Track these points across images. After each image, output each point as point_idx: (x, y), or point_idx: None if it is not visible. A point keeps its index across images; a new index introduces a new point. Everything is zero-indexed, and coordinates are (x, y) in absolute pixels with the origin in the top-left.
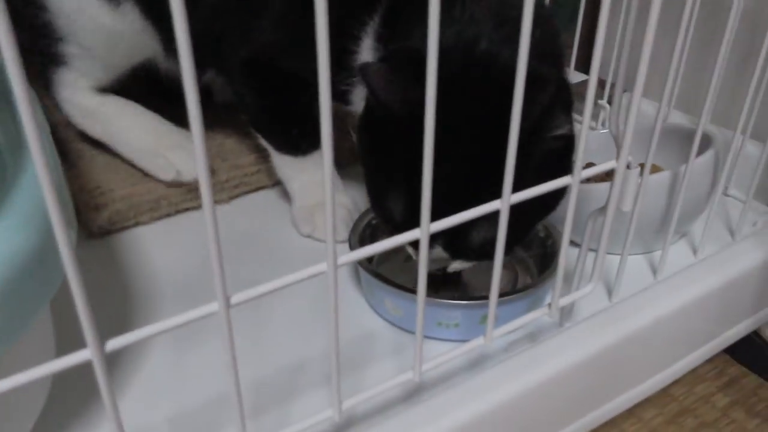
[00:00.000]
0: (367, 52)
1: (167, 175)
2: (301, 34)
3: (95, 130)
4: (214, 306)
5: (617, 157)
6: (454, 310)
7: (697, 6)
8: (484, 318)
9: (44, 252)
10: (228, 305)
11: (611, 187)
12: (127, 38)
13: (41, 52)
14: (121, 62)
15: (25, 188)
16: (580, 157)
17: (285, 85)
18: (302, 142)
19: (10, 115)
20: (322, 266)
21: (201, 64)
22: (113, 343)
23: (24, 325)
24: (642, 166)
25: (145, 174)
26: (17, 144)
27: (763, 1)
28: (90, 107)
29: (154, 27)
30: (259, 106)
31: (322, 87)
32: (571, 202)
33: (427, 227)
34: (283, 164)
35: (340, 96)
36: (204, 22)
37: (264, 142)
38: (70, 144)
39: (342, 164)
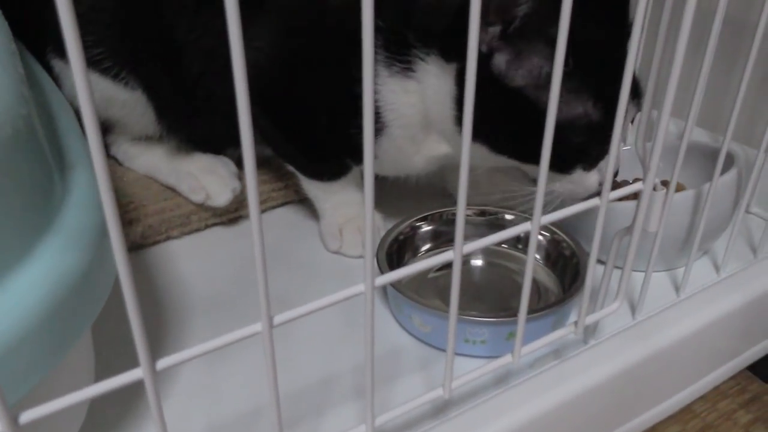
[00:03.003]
0: (382, 78)
1: (197, 198)
2: (305, 61)
3: (132, 165)
4: (257, 326)
5: (644, 180)
6: (481, 327)
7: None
8: (511, 334)
9: (92, 272)
10: (271, 325)
11: (637, 208)
12: (141, 107)
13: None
14: (144, 124)
15: (73, 208)
16: (608, 179)
17: (303, 114)
18: (329, 170)
19: (57, 138)
20: (359, 287)
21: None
22: (163, 363)
23: (70, 344)
24: (666, 183)
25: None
26: (64, 165)
27: None
28: (131, 152)
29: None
30: (282, 138)
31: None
32: (598, 223)
33: (460, 249)
34: (313, 188)
35: (359, 152)
36: (209, 62)
37: (291, 168)
38: None
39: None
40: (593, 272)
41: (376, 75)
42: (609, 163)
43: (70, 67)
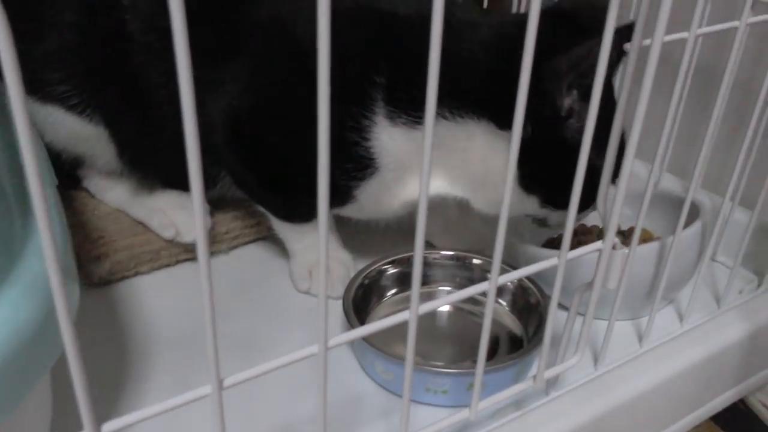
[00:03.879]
0: (383, 127)
1: (167, 234)
2: (285, 101)
3: (104, 198)
4: (207, 389)
5: (603, 238)
6: (442, 377)
7: (691, 72)
8: (472, 385)
9: (48, 322)
10: (221, 388)
11: (597, 267)
12: (104, 142)
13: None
14: (107, 160)
15: (31, 257)
16: (567, 237)
17: (278, 158)
18: (302, 212)
19: (21, 183)
20: (313, 348)
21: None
22: (109, 426)
23: (23, 395)
24: (631, 231)
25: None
26: (26, 210)
27: (756, 72)
28: (103, 185)
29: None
30: (256, 181)
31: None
32: (557, 280)
33: (416, 308)
34: (284, 229)
35: (340, 196)
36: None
37: (262, 209)
38: (74, 192)
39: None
40: (553, 325)
41: (374, 123)
42: (568, 224)
43: (37, 104)
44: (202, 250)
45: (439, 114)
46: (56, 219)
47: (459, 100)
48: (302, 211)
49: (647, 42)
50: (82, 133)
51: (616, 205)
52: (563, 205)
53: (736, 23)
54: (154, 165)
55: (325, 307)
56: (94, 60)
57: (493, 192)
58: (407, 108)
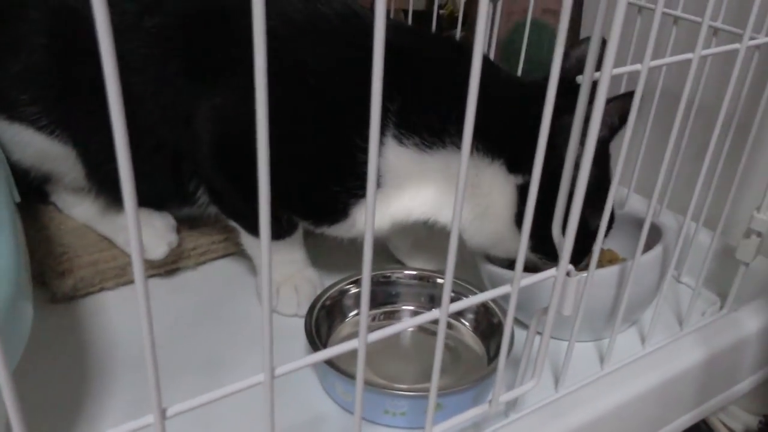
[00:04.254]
0: (391, 147)
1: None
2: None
3: (71, 213)
4: (149, 418)
5: (558, 266)
6: (400, 400)
7: (656, 98)
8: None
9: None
10: (164, 417)
11: (552, 293)
12: (62, 161)
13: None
14: (75, 177)
15: None
16: (519, 265)
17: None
18: (279, 229)
19: None
20: (258, 377)
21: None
22: None
23: None
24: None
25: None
26: None
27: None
28: (70, 200)
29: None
30: (240, 198)
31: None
32: (510, 309)
33: (364, 339)
34: (254, 245)
35: (337, 213)
36: (167, 110)
37: (235, 224)
38: (41, 206)
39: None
40: (513, 348)
41: (383, 144)
42: (520, 252)
43: (5, 123)
44: (139, 277)
45: (457, 145)
46: (10, 238)
47: (480, 140)
48: (279, 228)
49: (597, 75)
50: (51, 153)
51: (569, 233)
52: (551, 256)
53: (690, 55)
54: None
55: (270, 335)
56: (64, 82)
57: (488, 224)
58: (420, 132)
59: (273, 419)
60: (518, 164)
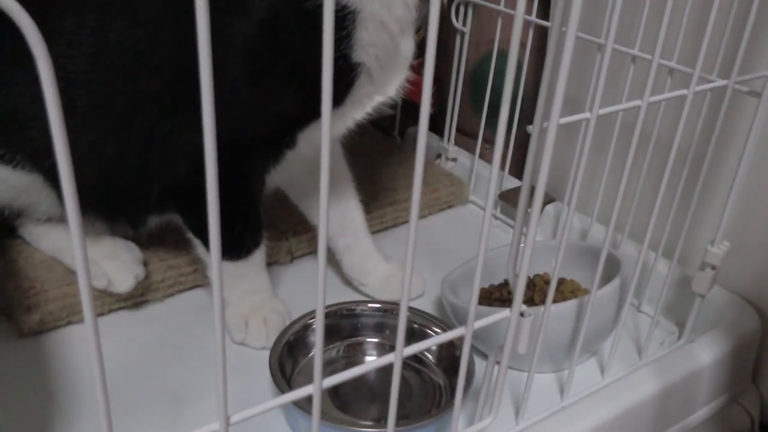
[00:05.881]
0: None
1: (99, 284)
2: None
3: (39, 245)
4: None
5: (512, 306)
6: None
7: (615, 133)
8: None
9: None
10: None
11: (507, 333)
12: (33, 191)
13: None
14: (49, 205)
15: None
16: (473, 304)
17: (238, 171)
18: (246, 239)
19: None
20: (214, 426)
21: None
22: None
23: None
24: (563, 281)
25: None
26: None
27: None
28: (38, 232)
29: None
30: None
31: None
32: (464, 353)
33: (319, 383)
34: (223, 272)
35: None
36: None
37: (202, 251)
38: (10, 239)
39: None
40: (473, 382)
41: None
42: (473, 292)
43: None
44: (88, 315)
45: None
46: None
47: None
48: (244, 239)
49: (546, 124)
50: (18, 184)
51: (521, 275)
52: None
53: (638, 102)
54: (92, 201)
55: (224, 383)
56: (17, 106)
57: None
58: None
59: None
60: None
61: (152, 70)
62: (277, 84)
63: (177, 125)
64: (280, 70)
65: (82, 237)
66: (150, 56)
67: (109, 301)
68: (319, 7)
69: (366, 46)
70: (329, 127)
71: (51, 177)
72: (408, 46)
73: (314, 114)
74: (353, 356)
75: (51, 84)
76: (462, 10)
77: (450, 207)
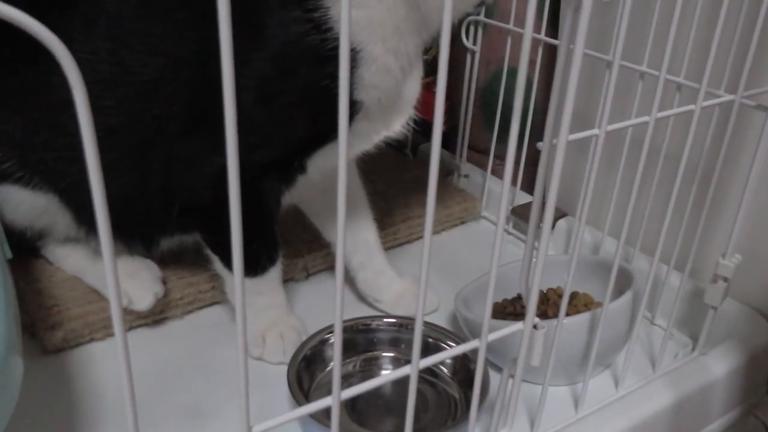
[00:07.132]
0: None
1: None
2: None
3: (62, 265)
4: None
5: (525, 318)
6: None
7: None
8: None
9: None
10: None
11: (520, 346)
12: (50, 212)
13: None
14: (66, 225)
15: None
16: (487, 317)
17: (255, 192)
18: (262, 256)
19: None
20: None
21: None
22: None
23: None
24: (575, 295)
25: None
26: None
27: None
28: (59, 252)
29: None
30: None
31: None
32: (478, 369)
33: (338, 396)
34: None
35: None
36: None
37: (220, 267)
38: (33, 259)
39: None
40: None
41: None
42: (487, 306)
43: None
44: (119, 333)
45: None
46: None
47: None
48: (260, 256)
49: (555, 141)
50: (36, 206)
51: (534, 289)
52: None
53: (646, 118)
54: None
55: (246, 396)
56: (34, 129)
57: None
58: None
59: None
60: None
61: (171, 95)
62: (285, 112)
63: (196, 147)
64: (288, 100)
65: (113, 259)
66: (169, 83)
67: (130, 319)
68: (322, 42)
69: (368, 87)
70: (345, 154)
71: (66, 198)
72: (412, 89)
73: (318, 142)
74: (369, 370)
75: (86, 112)
76: (472, 29)
77: (463, 223)
